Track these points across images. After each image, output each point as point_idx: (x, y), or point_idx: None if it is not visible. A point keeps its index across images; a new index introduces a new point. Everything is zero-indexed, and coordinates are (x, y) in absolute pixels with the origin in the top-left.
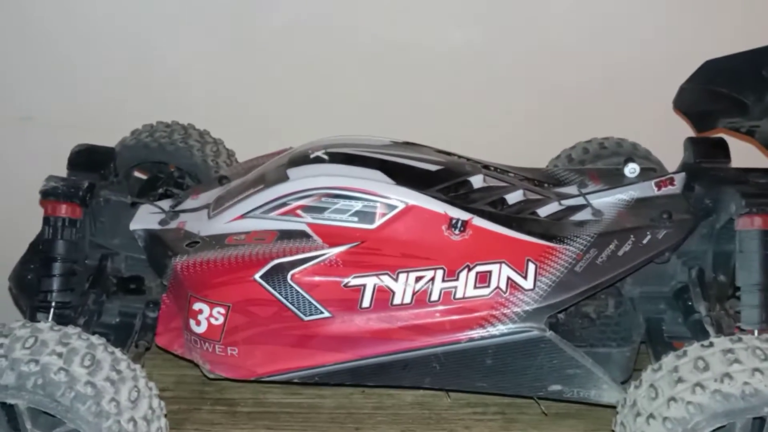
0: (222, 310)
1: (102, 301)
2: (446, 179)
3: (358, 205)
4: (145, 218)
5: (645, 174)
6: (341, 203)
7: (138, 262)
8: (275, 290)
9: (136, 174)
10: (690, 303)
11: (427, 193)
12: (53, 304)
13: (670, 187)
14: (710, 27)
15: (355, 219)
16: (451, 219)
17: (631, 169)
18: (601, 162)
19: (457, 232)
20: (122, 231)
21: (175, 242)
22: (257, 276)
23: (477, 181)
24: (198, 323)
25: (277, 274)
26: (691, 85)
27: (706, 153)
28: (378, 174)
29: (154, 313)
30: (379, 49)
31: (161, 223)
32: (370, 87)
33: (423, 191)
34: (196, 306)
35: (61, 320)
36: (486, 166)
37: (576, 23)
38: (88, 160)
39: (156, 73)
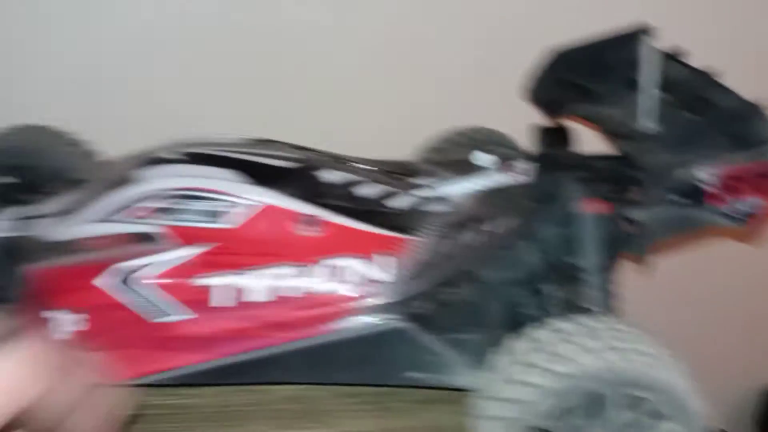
0: (73, 318)
1: None
2: (300, 176)
3: (212, 206)
4: None
5: (495, 163)
6: (195, 204)
7: None
8: (125, 295)
9: None
10: (543, 287)
11: (281, 190)
12: None
13: (517, 174)
14: (579, 10)
15: (209, 219)
16: (304, 216)
17: (480, 159)
18: (461, 151)
19: (309, 228)
20: None
21: (26, 251)
22: (103, 281)
23: (331, 176)
24: (54, 331)
25: (125, 278)
26: (539, 74)
27: (550, 140)
28: (233, 173)
29: (12, 322)
30: (219, 34)
31: (13, 229)
32: (224, 79)
33: (277, 189)
34: (49, 315)
35: None
36: (342, 161)
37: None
38: None
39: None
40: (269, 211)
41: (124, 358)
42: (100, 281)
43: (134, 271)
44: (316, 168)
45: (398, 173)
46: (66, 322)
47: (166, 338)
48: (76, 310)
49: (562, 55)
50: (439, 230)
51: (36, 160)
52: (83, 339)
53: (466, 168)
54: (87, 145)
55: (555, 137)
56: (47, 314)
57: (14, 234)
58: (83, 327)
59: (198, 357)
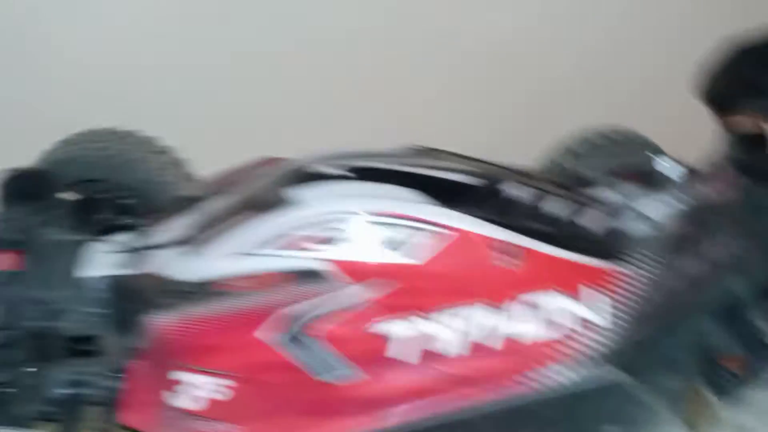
0: (221, 381)
1: (45, 372)
2: (487, 194)
3: (397, 234)
4: (101, 260)
5: (685, 171)
6: (375, 232)
7: (92, 317)
8: (288, 349)
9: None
10: (750, 317)
11: (471, 212)
12: None
13: (724, 185)
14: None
15: (393, 252)
16: (501, 243)
17: (665, 165)
18: (607, 154)
19: (509, 259)
20: (70, 278)
21: (149, 292)
22: (263, 333)
23: (515, 192)
24: (187, 397)
25: (289, 329)
26: (715, 69)
27: (748, 147)
28: (416, 193)
29: (118, 382)
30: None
31: (126, 265)
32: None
33: (466, 211)
34: (185, 376)
35: None
36: (517, 173)
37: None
38: (26, 189)
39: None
40: (464, 239)
41: (280, 427)
42: (261, 333)
43: (302, 319)
44: (499, 182)
45: (571, 183)
46: (204, 386)
47: (335, 400)
48: (226, 371)
49: (743, 48)
50: (653, 258)
51: (121, 172)
52: (229, 407)
53: (650, 176)
54: (176, 153)
55: (752, 142)
56: (176, 376)
57: (127, 272)
58: (226, 393)
59: (371, 423)
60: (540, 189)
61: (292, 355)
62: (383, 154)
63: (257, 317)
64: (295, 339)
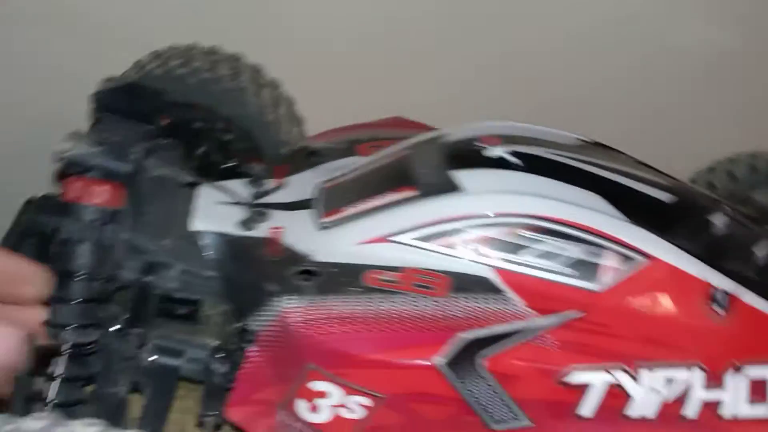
0: (365, 401)
1: (136, 334)
2: (688, 219)
3: (577, 251)
4: (214, 212)
5: None
6: (552, 243)
7: (200, 280)
8: (459, 382)
9: None
10: None
11: (675, 242)
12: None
13: None
14: None
15: (572, 272)
16: (713, 290)
17: None
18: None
19: (720, 310)
20: (175, 226)
21: (275, 266)
22: (440, 359)
23: (720, 221)
24: (314, 408)
25: (465, 358)
26: None
27: None
28: (598, 200)
29: (222, 365)
30: None
31: (244, 224)
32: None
33: (667, 238)
34: (318, 385)
35: (76, 369)
36: (707, 194)
37: None
38: (131, 106)
39: None
40: (663, 272)
41: None
42: (444, 360)
43: (483, 347)
44: (701, 207)
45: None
46: (333, 397)
47: None
48: (376, 392)
49: None
50: None
51: (222, 102)
52: (349, 427)
53: None
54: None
55: None
56: (315, 384)
57: (245, 232)
58: (359, 413)
59: None
60: (749, 225)
61: (464, 392)
62: (548, 141)
63: (428, 337)
64: (470, 372)
